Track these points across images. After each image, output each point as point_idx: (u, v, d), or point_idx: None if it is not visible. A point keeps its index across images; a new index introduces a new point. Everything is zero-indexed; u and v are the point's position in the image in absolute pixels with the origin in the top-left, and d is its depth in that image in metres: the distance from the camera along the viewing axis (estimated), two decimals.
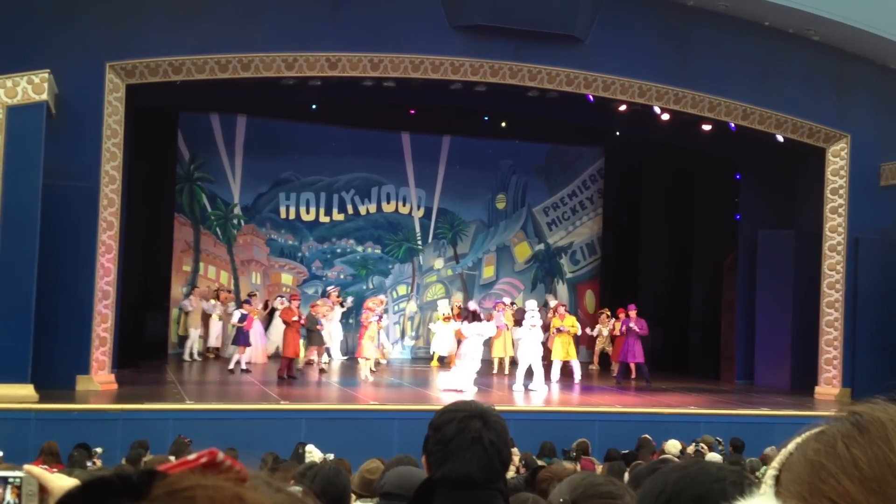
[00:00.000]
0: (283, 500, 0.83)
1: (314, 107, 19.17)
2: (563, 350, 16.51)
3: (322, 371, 16.11)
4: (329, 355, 17.82)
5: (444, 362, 18.22)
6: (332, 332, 18.19)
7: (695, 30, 15.58)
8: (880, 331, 15.95)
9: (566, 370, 16.58)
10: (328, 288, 19.20)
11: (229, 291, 19.01)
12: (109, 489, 0.77)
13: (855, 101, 16.49)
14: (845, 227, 16.33)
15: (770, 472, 1.00)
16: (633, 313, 17.35)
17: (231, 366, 15.94)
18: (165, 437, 9.67)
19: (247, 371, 15.77)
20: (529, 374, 15.28)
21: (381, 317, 16.54)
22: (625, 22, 15.17)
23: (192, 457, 0.82)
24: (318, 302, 17.08)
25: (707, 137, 17.56)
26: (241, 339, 15.95)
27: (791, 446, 0.99)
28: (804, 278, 16.89)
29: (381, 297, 17.16)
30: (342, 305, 18.62)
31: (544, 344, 16.60)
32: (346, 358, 18.45)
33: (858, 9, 15.15)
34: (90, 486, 0.79)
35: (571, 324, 16.75)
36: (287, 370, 15.10)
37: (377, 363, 16.78)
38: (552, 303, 18.94)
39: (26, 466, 1.47)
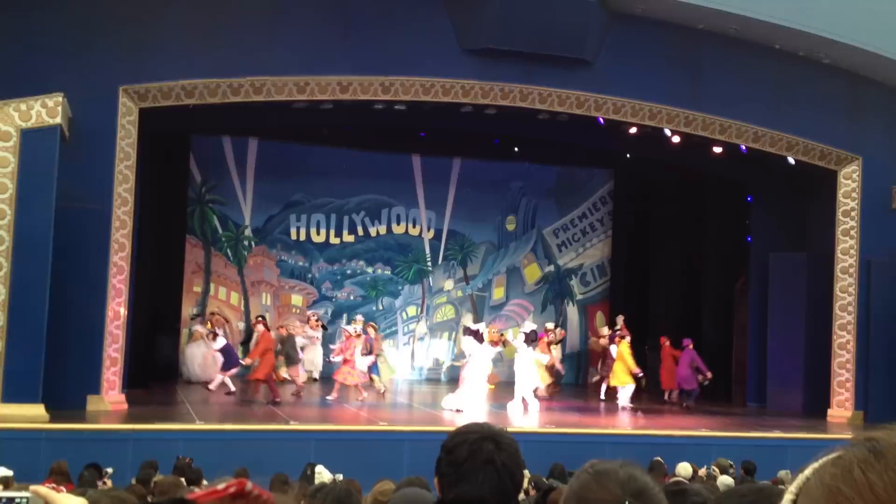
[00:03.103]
0: None
1: (324, 133, 19.27)
2: (624, 375, 16.61)
3: (298, 394, 15.91)
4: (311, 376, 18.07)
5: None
6: (314, 356, 18.24)
7: (705, 52, 15.62)
8: (893, 353, 15.85)
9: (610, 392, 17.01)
10: (308, 312, 19.17)
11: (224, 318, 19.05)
12: None
13: (867, 123, 16.47)
14: (857, 250, 16.26)
15: (787, 496, 1.01)
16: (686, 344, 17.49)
17: (212, 385, 15.88)
18: (175, 458, 9.66)
19: (230, 393, 15.68)
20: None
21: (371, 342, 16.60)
22: (635, 44, 15.22)
23: (220, 486, 0.82)
24: (297, 323, 17.22)
25: (718, 160, 17.55)
26: (229, 362, 15.94)
27: (808, 471, 1.00)
28: (816, 301, 16.80)
29: (357, 326, 16.65)
30: (324, 328, 18.62)
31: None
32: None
33: (869, 32, 15.17)
34: None
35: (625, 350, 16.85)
36: (274, 393, 14.91)
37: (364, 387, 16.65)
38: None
39: (32, 487, 1.47)
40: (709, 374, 17.28)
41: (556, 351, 19.03)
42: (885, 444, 0.96)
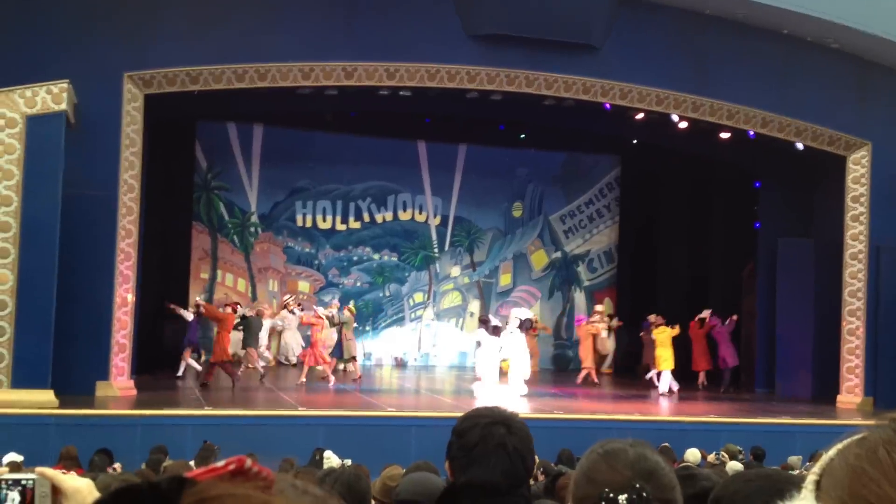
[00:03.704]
0: (310, 501, 0.83)
1: (329, 119, 19.24)
2: (669, 359, 16.85)
3: (261, 377, 15.95)
4: (286, 360, 18.29)
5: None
6: (289, 339, 18.39)
7: (712, 38, 15.53)
8: None
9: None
10: (284, 297, 19.11)
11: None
12: (139, 497, 0.77)
13: (876, 108, 16.38)
14: (866, 236, 16.20)
15: (811, 476, 1.00)
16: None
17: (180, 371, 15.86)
18: (184, 443, 9.69)
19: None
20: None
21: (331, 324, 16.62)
22: (642, 30, 15.14)
23: (220, 464, 0.82)
24: (266, 305, 17.34)
25: (726, 146, 17.48)
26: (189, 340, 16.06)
27: (832, 452, 1.00)
28: (825, 287, 16.75)
29: (320, 309, 16.63)
30: (293, 312, 18.61)
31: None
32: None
33: (878, 17, 15.06)
34: (120, 494, 0.78)
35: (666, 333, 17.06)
36: (207, 376, 14.85)
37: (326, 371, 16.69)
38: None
39: (38, 469, 1.47)
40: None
41: (610, 339, 19.14)
42: None
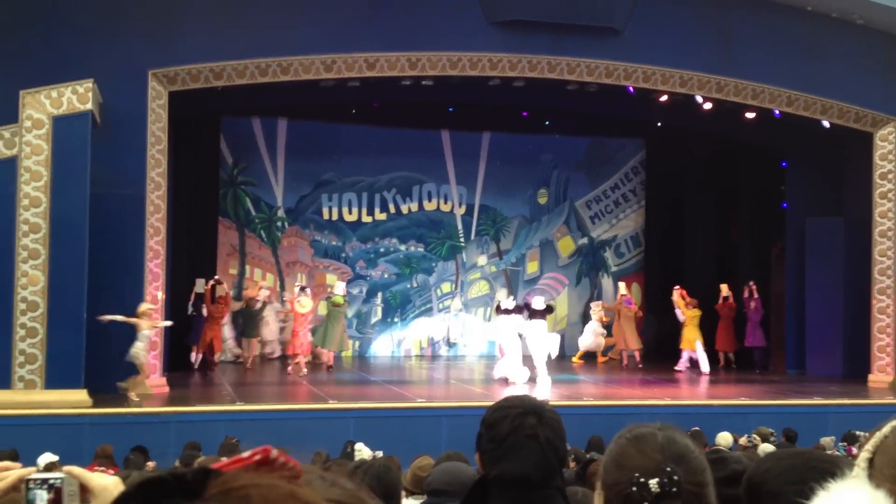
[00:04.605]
0: (338, 494, 0.83)
1: (353, 111, 19.26)
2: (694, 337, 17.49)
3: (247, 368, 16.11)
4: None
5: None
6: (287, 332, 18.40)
7: (735, 16, 15.36)
8: None
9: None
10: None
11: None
12: (165, 488, 0.78)
13: None
14: (895, 213, 16.00)
15: (863, 454, 1.00)
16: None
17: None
18: (217, 439, 9.77)
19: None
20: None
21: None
22: (664, 11, 15.00)
23: (245, 454, 0.82)
24: (253, 290, 17.61)
25: (751, 125, 17.32)
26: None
27: (886, 429, 0.99)
28: (854, 265, 16.58)
29: (300, 296, 16.69)
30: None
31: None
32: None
33: None
34: (145, 486, 0.79)
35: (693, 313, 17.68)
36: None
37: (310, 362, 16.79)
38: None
39: (66, 468, 1.48)
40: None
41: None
42: None
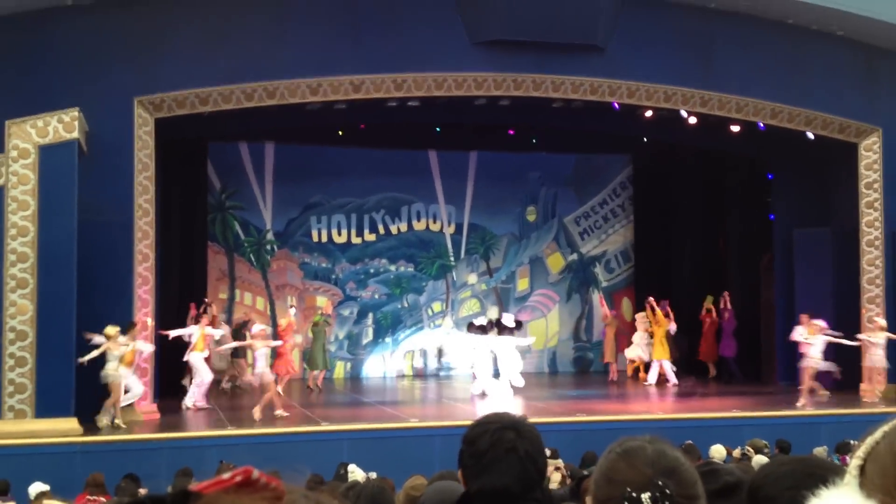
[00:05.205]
0: None
1: (339, 133, 19.30)
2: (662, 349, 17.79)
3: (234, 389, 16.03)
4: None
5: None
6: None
7: (717, 31, 15.49)
8: None
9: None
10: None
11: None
12: None
13: (885, 94, 16.29)
14: (882, 222, 16.09)
15: (855, 461, 0.98)
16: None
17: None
18: (209, 465, 9.72)
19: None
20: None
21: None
22: (646, 27, 15.11)
23: (226, 476, 0.81)
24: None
25: (736, 139, 17.42)
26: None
27: (878, 434, 0.97)
28: (843, 275, 16.64)
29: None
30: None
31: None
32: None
33: (883, 2, 14.98)
34: None
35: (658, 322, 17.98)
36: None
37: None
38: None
39: (46, 502, 1.47)
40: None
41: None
42: None
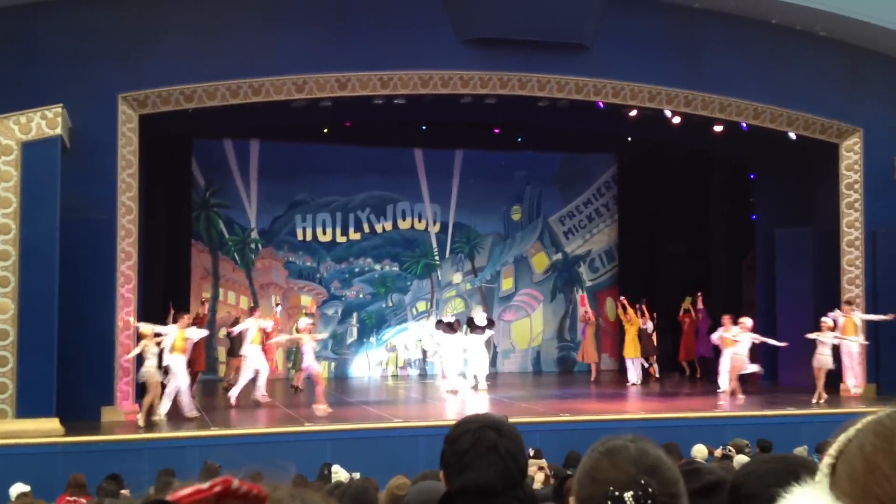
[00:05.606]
0: None
1: (325, 130, 19.25)
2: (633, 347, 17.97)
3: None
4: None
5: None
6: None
7: (702, 31, 15.55)
8: None
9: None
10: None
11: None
12: None
13: (866, 94, 16.40)
14: (862, 222, 16.20)
15: (827, 459, 0.97)
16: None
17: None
18: (192, 464, 9.69)
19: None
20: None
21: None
22: (631, 27, 15.15)
23: (205, 486, 0.80)
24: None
25: (720, 138, 17.49)
26: None
27: (851, 431, 0.96)
28: (824, 275, 16.74)
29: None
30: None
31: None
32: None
33: (865, 3, 15.08)
34: None
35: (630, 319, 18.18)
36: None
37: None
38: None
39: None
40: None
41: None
42: None
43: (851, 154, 16.37)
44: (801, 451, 9.71)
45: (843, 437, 0.96)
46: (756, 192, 19.02)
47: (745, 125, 16.47)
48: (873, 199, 16.20)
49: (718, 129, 17.00)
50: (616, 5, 14.86)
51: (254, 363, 14.69)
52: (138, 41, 13.44)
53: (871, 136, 16.25)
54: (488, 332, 17.05)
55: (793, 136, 16.52)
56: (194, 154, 19.28)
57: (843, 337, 15.31)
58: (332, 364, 20.14)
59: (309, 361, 13.99)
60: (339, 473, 8.70)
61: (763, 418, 13.16)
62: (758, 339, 15.53)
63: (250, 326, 14.95)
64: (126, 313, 13.18)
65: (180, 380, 13.17)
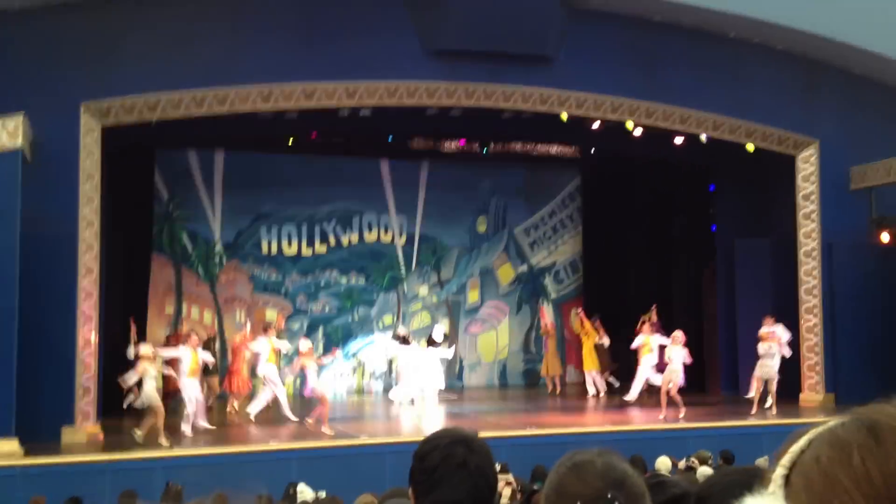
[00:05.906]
0: None
1: (290, 141, 19.15)
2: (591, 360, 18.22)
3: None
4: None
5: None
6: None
7: (662, 44, 15.71)
8: (859, 333, 16.04)
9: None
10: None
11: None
12: None
13: (822, 106, 16.67)
14: (818, 233, 16.43)
15: (779, 470, 0.96)
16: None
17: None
18: (155, 486, 9.57)
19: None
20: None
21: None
22: (594, 39, 15.28)
23: None
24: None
25: (680, 150, 17.68)
26: None
27: (803, 442, 0.95)
28: (782, 285, 16.96)
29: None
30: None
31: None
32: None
33: (821, 16, 15.34)
34: None
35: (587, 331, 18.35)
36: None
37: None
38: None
39: None
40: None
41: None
42: (886, 428, 0.90)
43: (808, 165, 16.62)
44: (762, 462, 9.82)
45: (795, 448, 0.95)
46: (716, 203, 19.24)
47: (705, 137, 16.65)
48: (829, 210, 16.45)
49: (679, 140, 17.17)
50: (578, 18, 14.98)
51: (272, 382, 14.72)
52: (102, 49, 13.19)
53: (827, 147, 16.52)
54: (444, 349, 16.82)
55: (751, 147, 16.74)
56: (157, 165, 19.04)
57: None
58: (297, 380, 19.93)
59: (312, 382, 14.01)
60: (305, 493, 8.65)
61: (725, 429, 13.28)
62: (687, 358, 15.26)
63: (262, 347, 14.86)
64: (87, 331, 12.92)
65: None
